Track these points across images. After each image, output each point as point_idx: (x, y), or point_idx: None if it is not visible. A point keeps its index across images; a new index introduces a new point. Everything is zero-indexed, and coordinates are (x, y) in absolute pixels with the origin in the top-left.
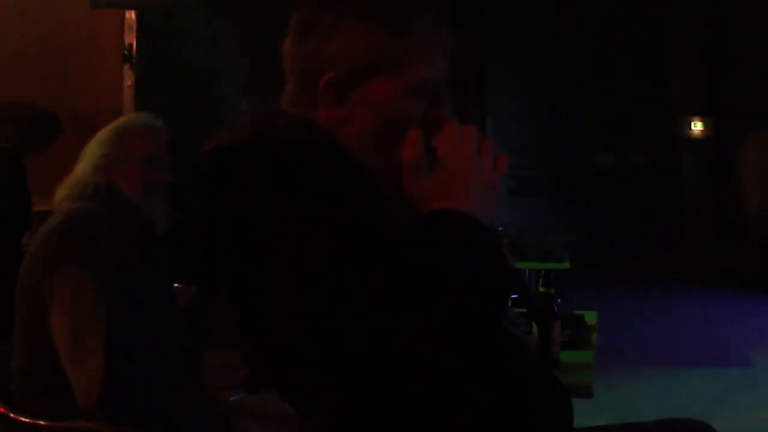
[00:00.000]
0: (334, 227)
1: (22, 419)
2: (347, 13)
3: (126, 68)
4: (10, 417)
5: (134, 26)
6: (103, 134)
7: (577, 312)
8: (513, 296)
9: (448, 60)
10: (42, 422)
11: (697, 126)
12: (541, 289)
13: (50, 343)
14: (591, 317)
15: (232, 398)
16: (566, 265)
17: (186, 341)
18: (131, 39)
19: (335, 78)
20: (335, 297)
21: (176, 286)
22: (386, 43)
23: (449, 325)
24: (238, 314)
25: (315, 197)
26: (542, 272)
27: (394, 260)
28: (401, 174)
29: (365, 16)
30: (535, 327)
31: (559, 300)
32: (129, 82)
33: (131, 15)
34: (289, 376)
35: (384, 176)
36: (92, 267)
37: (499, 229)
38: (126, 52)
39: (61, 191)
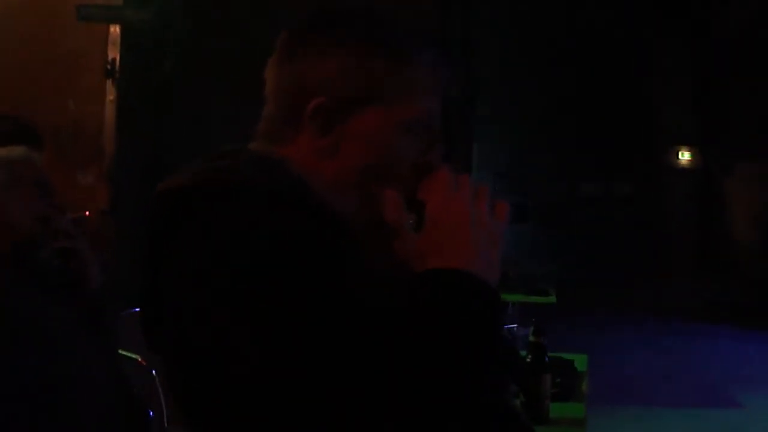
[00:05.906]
0: (288, 290)
1: None
2: (342, 37)
3: (108, 83)
4: None
5: (118, 41)
6: None
7: (566, 356)
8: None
9: (441, 100)
10: None
11: (684, 156)
12: (532, 339)
13: None
14: (581, 362)
15: None
16: (552, 299)
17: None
18: (114, 54)
19: (325, 104)
20: (290, 369)
21: None
22: (383, 72)
23: (445, 398)
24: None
25: (267, 257)
26: (533, 321)
27: (375, 329)
28: (382, 217)
29: (362, 41)
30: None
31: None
32: (111, 97)
33: (115, 30)
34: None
35: (360, 219)
36: None
37: None
38: (109, 66)
39: None
